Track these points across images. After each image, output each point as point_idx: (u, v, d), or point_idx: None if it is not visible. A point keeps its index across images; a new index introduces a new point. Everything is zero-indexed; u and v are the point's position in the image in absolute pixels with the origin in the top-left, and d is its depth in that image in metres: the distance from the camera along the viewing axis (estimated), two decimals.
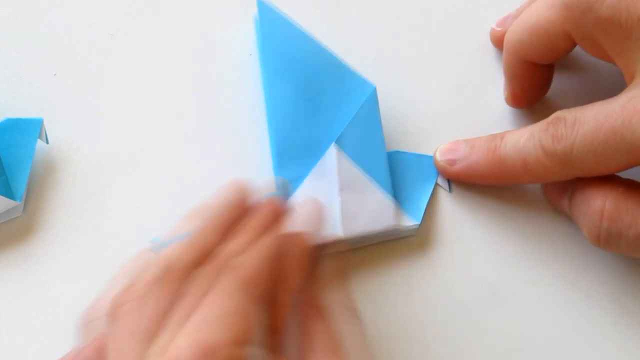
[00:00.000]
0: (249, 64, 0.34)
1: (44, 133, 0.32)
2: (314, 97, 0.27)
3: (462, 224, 0.31)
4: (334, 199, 0.28)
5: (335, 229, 0.28)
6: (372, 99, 0.28)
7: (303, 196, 0.27)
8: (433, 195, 0.31)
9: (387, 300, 0.30)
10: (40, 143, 0.32)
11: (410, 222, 0.29)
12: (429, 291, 0.30)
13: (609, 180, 0.26)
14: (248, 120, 0.33)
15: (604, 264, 0.30)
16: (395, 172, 0.29)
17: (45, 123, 0.32)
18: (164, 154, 0.33)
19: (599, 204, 0.25)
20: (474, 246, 0.30)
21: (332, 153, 0.28)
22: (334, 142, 0.28)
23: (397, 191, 0.29)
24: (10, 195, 0.30)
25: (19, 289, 0.31)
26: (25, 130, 0.31)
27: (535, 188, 0.31)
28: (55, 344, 0.29)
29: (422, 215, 0.29)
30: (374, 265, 0.30)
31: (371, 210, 0.28)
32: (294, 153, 0.28)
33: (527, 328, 0.29)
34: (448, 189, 0.30)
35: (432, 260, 0.30)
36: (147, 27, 0.35)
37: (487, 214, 0.31)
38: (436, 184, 0.31)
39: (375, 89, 0.28)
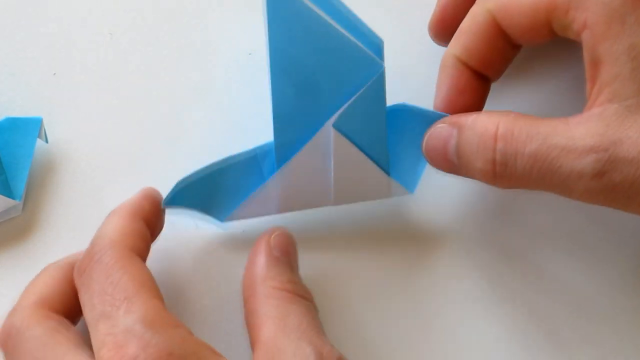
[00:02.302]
0: (249, 64, 0.34)
1: (43, 132, 0.32)
2: (320, 73, 0.27)
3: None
4: (327, 173, 0.28)
5: (326, 198, 0.28)
6: (379, 79, 0.27)
7: (296, 166, 0.28)
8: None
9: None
10: (39, 142, 0.32)
11: (403, 191, 0.29)
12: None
13: (497, 111, 0.26)
14: (248, 119, 0.33)
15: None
16: (397, 128, 0.29)
17: (45, 122, 0.32)
18: (164, 153, 0.33)
19: (491, 129, 0.25)
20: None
21: (329, 129, 0.27)
22: (333, 117, 0.27)
23: (396, 152, 0.29)
24: (9, 194, 0.30)
25: (19, 289, 0.31)
26: (25, 130, 0.31)
27: None
28: None
29: (417, 184, 0.29)
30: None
31: (365, 185, 0.28)
32: (293, 122, 0.27)
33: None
34: None
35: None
36: (147, 27, 0.35)
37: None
38: None
39: (383, 70, 0.27)
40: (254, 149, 0.29)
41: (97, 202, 0.32)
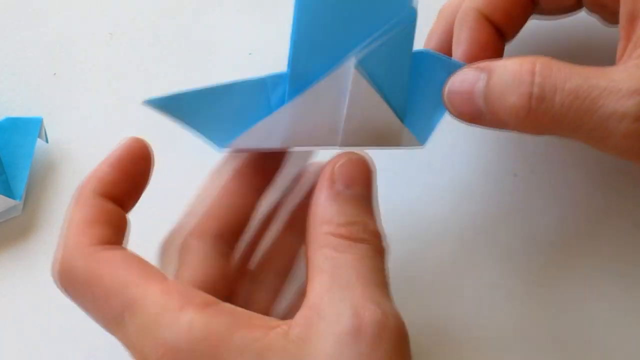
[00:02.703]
0: (249, 64, 0.34)
1: (43, 132, 0.32)
2: (350, 4, 0.25)
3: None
4: (340, 110, 0.26)
5: (334, 138, 0.26)
6: (410, 26, 0.26)
7: (310, 99, 0.26)
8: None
9: None
10: (39, 142, 0.32)
11: (414, 142, 0.27)
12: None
13: (530, 55, 0.25)
14: None
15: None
16: (418, 75, 0.27)
17: (45, 122, 0.32)
18: (164, 153, 0.32)
19: (527, 66, 0.24)
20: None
21: (350, 66, 0.26)
22: (356, 55, 0.26)
23: (413, 100, 0.27)
24: (9, 194, 0.30)
25: (19, 288, 0.31)
26: (25, 130, 0.32)
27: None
28: (54, 343, 0.29)
29: (429, 137, 0.27)
30: None
31: (376, 129, 0.26)
32: (314, 51, 0.26)
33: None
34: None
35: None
36: (147, 27, 0.35)
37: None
38: None
39: (415, 16, 0.26)
40: (265, 76, 0.26)
41: None
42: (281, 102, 0.26)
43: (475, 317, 0.29)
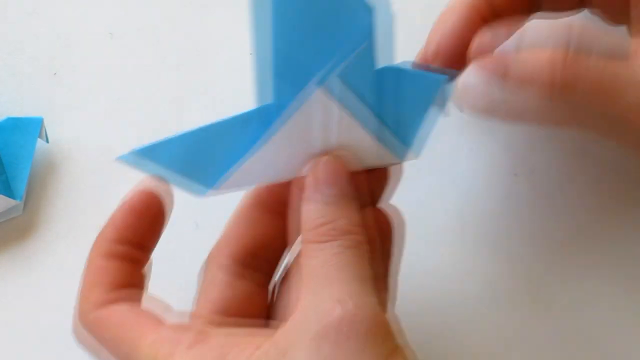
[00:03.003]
0: (249, 64, 0.34)
1: (44, 132, 0.32)
2: (321, 24, 0.24)
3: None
4: (316, 137, 0.25)
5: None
6: (370, 31, 0.25)
7: (289, 129, 0.25)
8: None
9: None
10: (40, 142, 0.32)
11: (406, 156, 0.27)
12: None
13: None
14: None
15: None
16: (401, 89, 0.26)
17: (45, 122, 0.32)
18: None
19: (564, 25, 0.24)
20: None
21: (321, 88, 0.25)
22: (328, 77, 0.25)
23: (400, 112, 0.26)
24: (10, 194, 0.30)
25: (19, 288, 0.31)
26: (26, 130, 0.32)
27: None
28: (55, 343, 0.29)
29: (422, 148, 0.27)
30: None
31: (361, 146, 0.26)
32: (293, 70, 0.25)
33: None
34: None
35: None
36: (147, 27, 0.35)
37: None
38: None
39: (372, 24, 0.25)
40: (248, 111, 0.25)
41: (97, 202, 0.32)
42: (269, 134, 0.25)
43: (476, 317, 0.29)
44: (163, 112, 0.33)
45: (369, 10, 0.25)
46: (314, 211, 0.23)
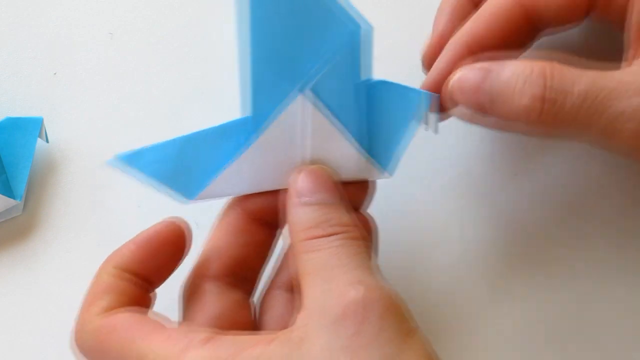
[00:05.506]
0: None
1: (44, 132, 0.32)
2: (297, 38, 0.25)
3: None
4: (299, 145, 0.26)
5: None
6: (353, 42, 0.26)
7: (272, 136, 0.26)
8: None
9: None
10: (40, 142, 0.32)
11: (380, 175, 0.27)
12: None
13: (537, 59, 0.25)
14: None
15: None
16: (378, 106, 0.27)
17: (45, 122, 0.32)
18: None
19: (539, 69, 0.24)
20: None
21: (298, 100, 0.25)
22: (304, 88, 0.25)
23: (375, 131, 0.27)
24: (10, 194, 0.30)
25: (19, 288, 0.31)
26: (26, 129, 0.32)
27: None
28: (54, 343, 0.29)
29: (396, 167, 0.27)
30: None
31: (336, 160, 0.26)
32: (271, 86, 0.25)
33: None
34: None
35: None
36: (147, 27, 0.35)
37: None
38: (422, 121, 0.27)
39: (357, 30, 0.25)
40: (230, 122, 0.26)
41: (97, 202, 0.32)
42: (247, 145, 0.26)
43: (476, 317, 0.29)
44: (163, 112, 0.33)
45: (351, 25, 0.26)
46: (306, 213, 0.24)
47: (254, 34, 0.25)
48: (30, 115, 0.32)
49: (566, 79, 0.24)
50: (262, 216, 0.27)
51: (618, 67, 0.25)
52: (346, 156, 0.27)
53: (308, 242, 0.23)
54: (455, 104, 0.26)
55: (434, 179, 0.31)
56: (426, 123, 0.27)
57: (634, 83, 0.23)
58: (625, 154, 0.25)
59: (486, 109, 0.25)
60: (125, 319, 0.23)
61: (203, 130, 0.26)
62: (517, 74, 0.25)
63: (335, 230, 0.24)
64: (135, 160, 0.25)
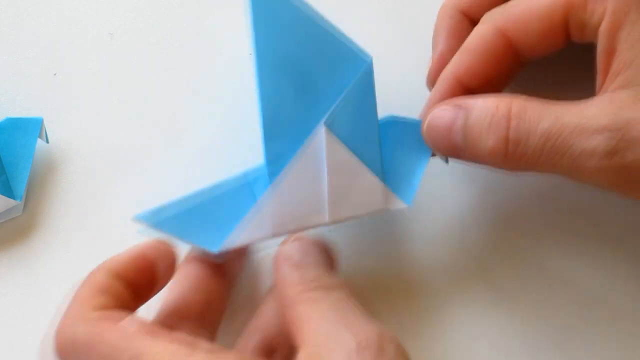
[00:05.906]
0: (249, 64, 0.34)
1: (44, 132, 0.32)
2: (307, 74, 0.26)
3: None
4: (321, 182, 0.26)
5: (322, 213, 0.27)
6: (367, 74, 0.26)
7: (290, 179, 0.26)
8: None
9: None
10: (40, 142, 0.32)
11: (400, 204, 0.28)
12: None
13: (506, 93, 0.26)
14: (248, 120, 0.33)
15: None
16: (389, 140, 0.28)
17: (46, 122, 0.32)
18: (164, 153, 0.33)
19: (504, 108, 0.25)
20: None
21: (320, 134, 0.26)
22: (322, 122, 0.26)
23: (389, 164, 0.28)
24: (10, 194, 0.31)
25: (19, 288, 0.31)
26: (26, 130, 0.32)
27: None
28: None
29: (413, 196, 0.28)
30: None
31: (360, 194, 0.27)
32: (284, 128, 0.26)
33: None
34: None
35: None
36: (147, 27, 0.35)
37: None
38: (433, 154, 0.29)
39: (370, 63, 0.26)
40: (245, 174, 0.27)
41: (97, 202, 0.32)
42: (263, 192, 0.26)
43: (475, 317, 0.29)
44: (163, 112, 0.33)
45: (364, 57, 0.26)
46: (308, 270, 0.25)
47: (262, 90, 0.26)
48: (30, 115, 0.32)
49: (530, 117, 0.25)
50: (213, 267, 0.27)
51: (591, 95, 0.25)
52: (370, 188, 0.27)
53: (309, 292, 0.24)
54: (435, 146, 0.27)
55: (433, 179, 0.31)
56: (435, 154, 0.28)
57: (596, 118, 0.24)
58: (595, 186, 0.25)
59: (461, 150, 0.26)
60: (126, 315, 0.23)
61: (222, 190, 0.27)
62: (485, 113, 0.25)
63: (336, 285, 0.24)
64: (156, 219, 0.25)
